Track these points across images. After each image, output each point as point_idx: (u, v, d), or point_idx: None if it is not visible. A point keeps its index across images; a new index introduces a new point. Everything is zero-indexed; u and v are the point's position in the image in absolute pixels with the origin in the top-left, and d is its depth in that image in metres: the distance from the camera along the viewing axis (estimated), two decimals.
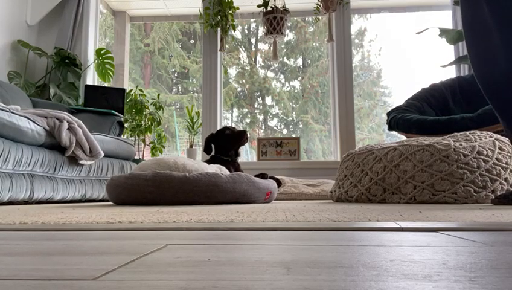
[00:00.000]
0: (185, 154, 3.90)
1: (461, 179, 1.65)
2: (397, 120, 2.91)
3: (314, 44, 5.52)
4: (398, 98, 6.49)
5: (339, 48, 3.91)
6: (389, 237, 0.57)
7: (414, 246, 0.48)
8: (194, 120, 3.93)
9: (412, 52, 5.19)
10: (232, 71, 5.62)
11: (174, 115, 5.46)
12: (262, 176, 2.44)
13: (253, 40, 5.79)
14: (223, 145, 2.57)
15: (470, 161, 1.68)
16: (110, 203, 1.97)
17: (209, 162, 2.47)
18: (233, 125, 2.74)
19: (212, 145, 2.66)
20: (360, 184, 1.94)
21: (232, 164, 2.51)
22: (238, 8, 3.84)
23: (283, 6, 3.67)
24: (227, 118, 5.46)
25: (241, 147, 2.69)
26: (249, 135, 2.67)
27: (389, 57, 5.58)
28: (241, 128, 2.69)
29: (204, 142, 2.63)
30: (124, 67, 4.26)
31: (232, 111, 5.67)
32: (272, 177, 2.65)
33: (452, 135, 1.91)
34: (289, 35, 5.42)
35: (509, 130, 1.37)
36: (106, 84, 3.83)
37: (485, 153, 1.70)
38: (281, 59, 5.42)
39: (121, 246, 0.49)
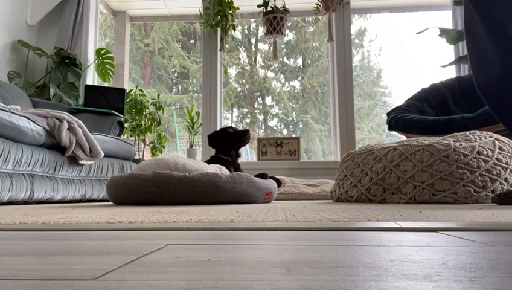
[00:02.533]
0: (185, 154, 3.90)
1: (461, 179, 1.65)
2: (397, 120, 2.91)
3: (314, 44, 5.52)
4: (398, 98, 6.50)
5: (339, 48, 3.91)
6: (389, 237, 0.57)
7: (414, 246, 0.48)
8: (194, 120, 3.93)
9: (412, 52, 5.19)
10: (232, 71, 5.63)
11: (174, 115, 5.46)
12: (263, 176, 2.44)
13: (253, 40, 5.79)
14: (225, 144, 2.58)
15: (470, 161, 1.68)
16: (110, 203, 1.97)
17: (209, 162, 2.46)
18: (234, 125, 2.74)
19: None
20: (360, 184, 1.94)
21: (233, 164, 2.52)
22: (238, 8, 3.84)
23: (283, 6, 3.67)
24: (227, 118, 5.46)
25: (242, 148, 2.70)
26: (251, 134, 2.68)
27: (389, 57, 5.59)
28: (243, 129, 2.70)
29: (208, 138, 2.64)
30: (124, 67, 4.26)
31: (232, 111, 5.67)
32: (272, 177, 2.65)
33: (452, 135, 1.91)
34: (289, 35, 5.42)
35: (509, 131, 1.38)
36: (106, 84, 3.83)
37: (485, 153, 1.70)
38: (281, 59, 5.42)
39: (121, 246, 0.49)
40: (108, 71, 3.70)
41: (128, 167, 2.89)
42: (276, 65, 5.43)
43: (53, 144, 2.16)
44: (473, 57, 1.42)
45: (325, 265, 0.35)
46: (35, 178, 2.05)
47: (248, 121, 5.66)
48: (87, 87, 3.39)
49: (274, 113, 5.80)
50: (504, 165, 1.69)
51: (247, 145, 4.64)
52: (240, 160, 2.70)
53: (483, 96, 1.42)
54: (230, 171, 2.15)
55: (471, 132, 1.91)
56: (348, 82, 3.87)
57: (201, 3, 3.91)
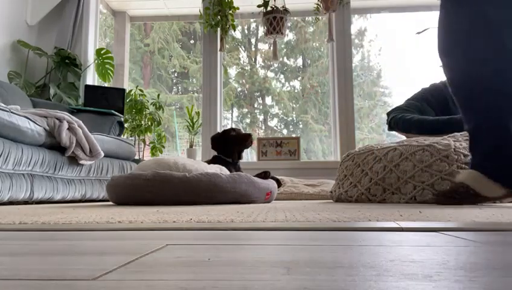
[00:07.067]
0: (185, 154, 3.90)
1: None
2: (397, 120, 2.91)
3: (314, 44, 5.52)
4: (398, 98, 6.47)
5: (339, 48, 3.91)
6: (389, 237, 0.57)
7: (414, 246, 0.48)
8: (194, 120, 3.93)
9: (412, 52, 5.19)
10: (232, 71, 5.62)
11: (174, 115, 5.46)
12: (265, 174, 2.42)
13: (253, 40, 5.79)
14: (227, 146, 2.57)
15: (469, 160, 1.68)
16: (110, 203, 1.97)
17: (210, 162, 2.46)
18: (234, 126, 2.72)
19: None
20: (360, 184, 1.93)
21: (233, 166, 2.51)
22: (238, 8, 3.84)
23: (283, 6, 3.67)
24: (227, 118, 5.46)
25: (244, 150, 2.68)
26: (253, 138, 2.66)
27: (389, 57, 5.58)
28: (247, 131, 2.68)
29: (211, 140, 2.62)
30: (124, 67, 4.26)
31: (232, 111, 5.67)
32: (272, 177, 2.64)
33: (452, 135, 1.90)
34: (289, 35, 5.42)
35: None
36: (106, 84, 3.83)
37: None
38: (281, 59, 5.42)
39: (121, 246, 0.49)
40: (109, 71, 3.70)
41: (128, 167, 2.89)
42: (276, 65, 5.42)
43: (53, 144, 2.16)
44: (447, 57, 1.46)
45: (325, 265, 0.35)
46: (35, 178, 2.05)
47: (248, 121, 5.65)
48: (87, 87, 3.39)
49: (274, 113, 5.80)
50: None
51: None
52: (240, 160, 2.69)
53: (455, 95, 1.47)
54: (230, 172, 2.15)
55: None
56: (348, 82, 3.87)
57: (201, 3, 3.91)
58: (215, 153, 2.63)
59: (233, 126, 2.71)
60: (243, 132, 2.62)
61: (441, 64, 1.52)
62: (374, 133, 5.78)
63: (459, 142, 1.78)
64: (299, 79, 5.75)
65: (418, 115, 2.91)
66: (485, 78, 1.39)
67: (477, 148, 1.46)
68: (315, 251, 0.44)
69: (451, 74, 1.49)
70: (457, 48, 1.44)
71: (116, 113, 3.11)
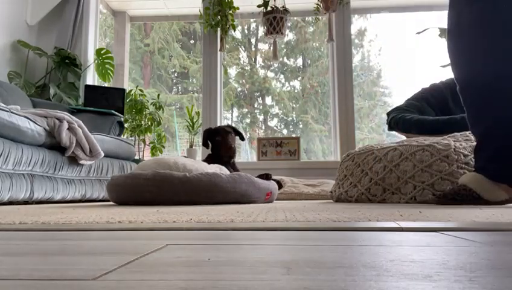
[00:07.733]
0: (185, 154, 3.90)
1: None
2: (397, 120, 2.91)
3: (314, 44, 5.52)
4: (398, 98, 6.48)
5: (339, 48, 3.91)
6: (389, 237, 0.57)
7: (414, 246, 0.48)
8: (194, 120, 3.93)
9: (412, 52, 5.19)
10: (232, 71, 5.63)
11: (174, 115, 5.46)
12: (266, 176, 2.40)
13: (253, 40, 5.79)
14: (214, 148, 2.46)
15: (470, 161, 1.68)
16: (110, 203, 1.97)
17: (208, 161, 2.45)
18: (234, 125, 2.64)
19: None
20: (360, 184, 1.93)
21: (231, 165, 2.48)
22: (238, 8, 3.84)
23: (283, 6, 3.67)
24: (227, 118, 5.46)
25: (241, 148, 2.64)
26: (238, 146, 2.46)
27: (389, 57, 5.58)
28: (242, 130, 2.58)
29: (203, 135, 2.55)
30: (124, 67, 4.26)
31: (232, 111, 5.67)
32: (273, 179, 2.62)
33: (452, 135, 1.90)
34: (289, 35, 5.42)
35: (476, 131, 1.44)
36: (106, 84, 3.83)
37: None
38: (281, 59, 5.42)
39: (121, 246, 0.49)
40: (109, 71, 3.70)
41: (128, 167, 2.89)
42: (276, 65, 5.42)
43: (53, 144, 2.16)
44: (461, 58, 1.44)
45: (325, 265, 0.35)
46: (35, 178, 2.05)
47: (248, 121, 5.66)
48: (87, 87, 3.39)
49: (274, 113, 5.80)
50: None
51: (247, 145, 4.64)
52: (240, 160, 2.67)
53: (466, 95, 1.45)
54: (229, 171, 2.14)
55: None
56: (348, 82, 3.87)
57: (201, 3, 3.91)
58: (209, 152, 2.54)
59: (234, 126, 2.63)
60: (229, 142, 2.40)
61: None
62: (374, 133, 5.79)
63: (459, 142, 1.78)
64: (299, 79, 5.75)
65: (418, 115, 2.91)
66: (495, 81, 1.35)
67: (484, 151, 1.43)
68: (315, 251, 0.44)
69: (461, 76, 1.46)
70: (466, 49, 1.42)
71: (116, 113, 3.11)
